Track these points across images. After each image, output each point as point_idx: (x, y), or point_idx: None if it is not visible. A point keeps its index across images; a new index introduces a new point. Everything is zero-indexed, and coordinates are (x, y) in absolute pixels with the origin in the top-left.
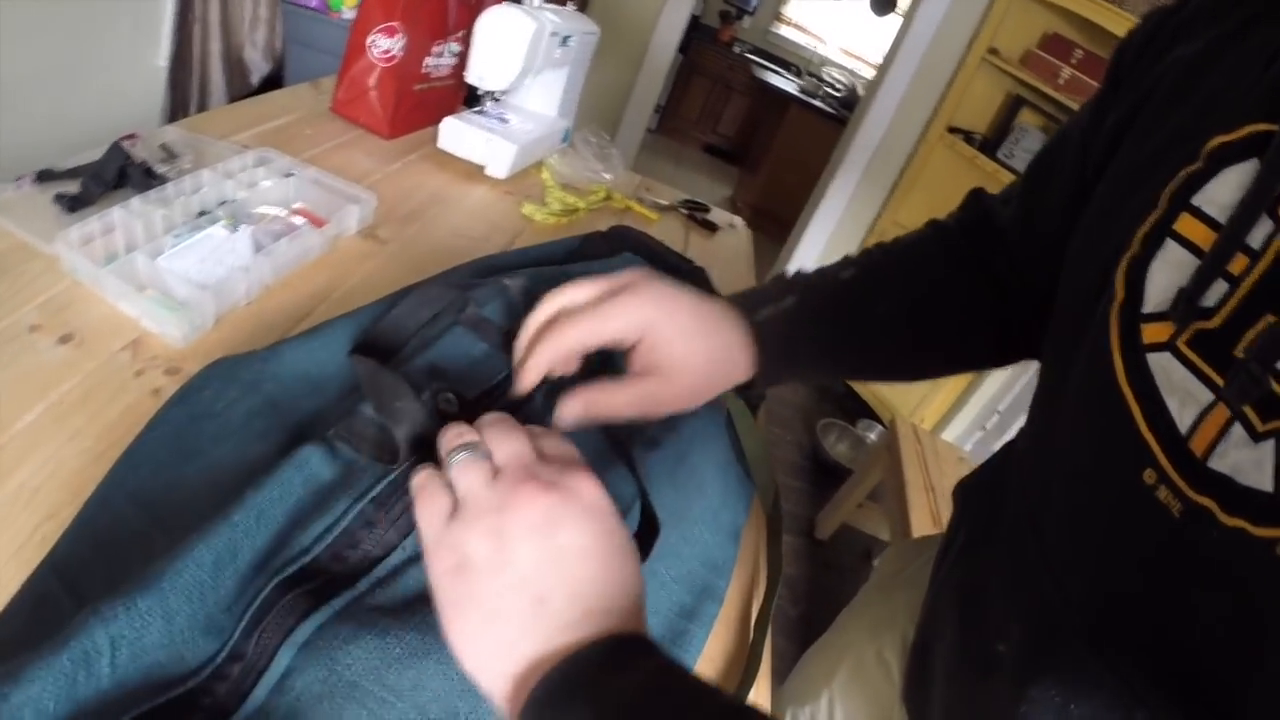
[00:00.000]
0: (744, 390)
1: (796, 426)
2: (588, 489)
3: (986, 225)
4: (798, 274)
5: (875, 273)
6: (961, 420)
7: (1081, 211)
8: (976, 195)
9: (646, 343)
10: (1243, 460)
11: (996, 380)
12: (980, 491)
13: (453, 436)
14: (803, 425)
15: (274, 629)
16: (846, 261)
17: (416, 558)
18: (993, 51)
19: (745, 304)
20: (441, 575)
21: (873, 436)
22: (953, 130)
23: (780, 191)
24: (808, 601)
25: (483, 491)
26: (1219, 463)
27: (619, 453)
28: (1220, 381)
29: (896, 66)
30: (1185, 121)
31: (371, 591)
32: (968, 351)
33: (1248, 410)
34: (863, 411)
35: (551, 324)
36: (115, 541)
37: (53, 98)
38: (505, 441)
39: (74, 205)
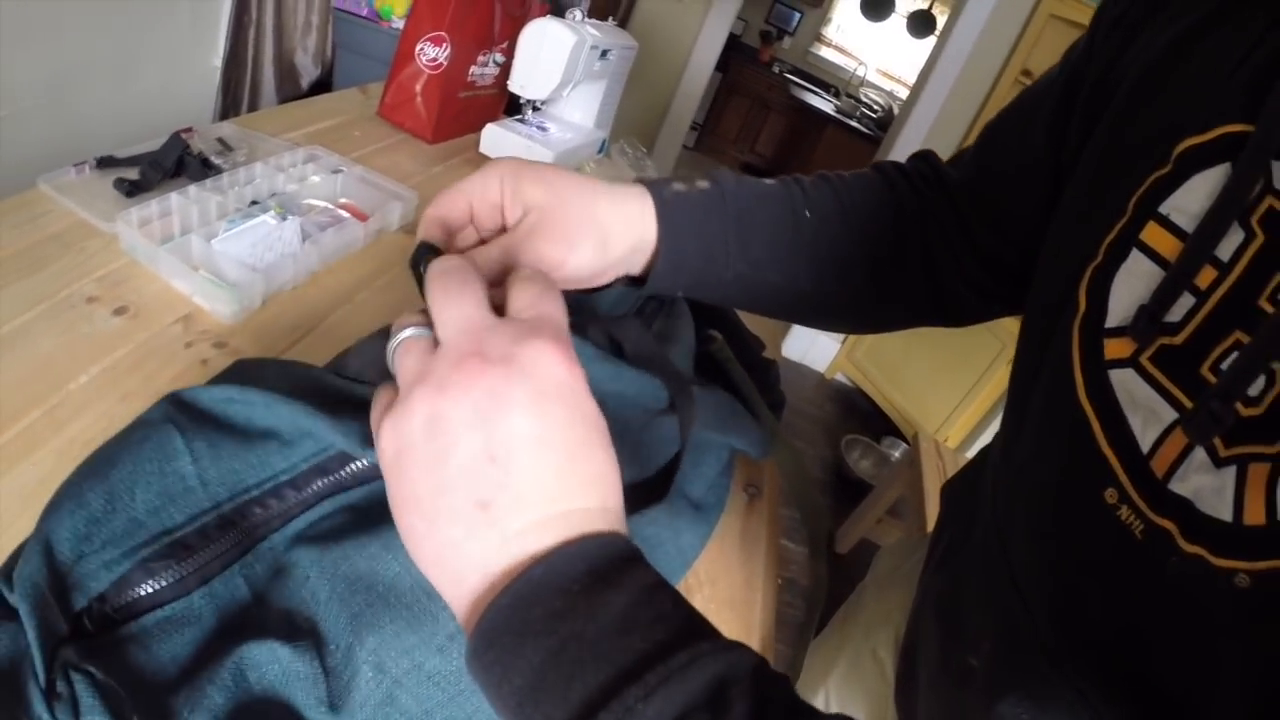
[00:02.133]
0: (635, 283)
1: (820, 442)
2: (547, 360)
3: (936, 179)
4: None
5: (803, 183)
6: (987, 438)
7: (1054, 176)
8: (924, 152)
9: (507, 189)
10: (1203, 486)
11: None
12: (960, 495)
13: (405, 315)
14: (826, 441)
15: (332, 481)
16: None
17: None
18: (1026, 73)
19: (647, 181)
20: (386, 468)
21: (896, 455)
22: None
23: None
24: (823, 612)
25: (418, 371)
26: (1180, 485)
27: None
28: (1184, 399)
29: (931, 87)
30: (1156, 118)
31: None
32: (893, 283)
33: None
34: (887, 429)
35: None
36: None
37: (112, 91)
38: (449, 305)
39: (132, 190)
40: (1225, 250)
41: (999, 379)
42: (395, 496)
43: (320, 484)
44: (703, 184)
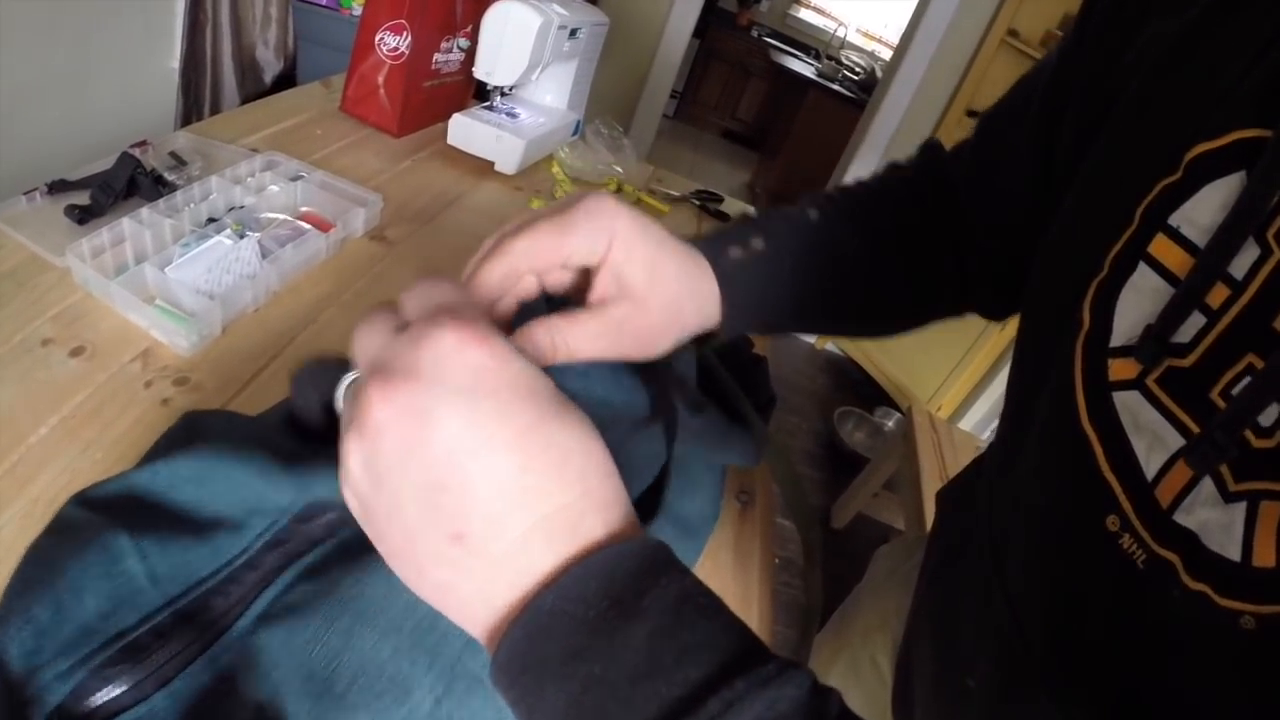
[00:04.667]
0: (703, 341)
1: (813, 414)
2: (451, 348)
3: (941, 175)
4: (762, 214)
5: (842, 213)
6: (979, 408)
7: (1044, 183)
8: (931, 145)
9: (614, 258)
10: (1210, 520)
11: None
12: (957, 503)
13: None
14: (819, 413)
15: (286, 551)
16: (808, 200)
17: None
18: (1012, 33)
19: (709, 245)
20: (361, 525)
21: (890, 425)
22: (971, 114)
23: (799, 176)
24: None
25: (346, 418)
26: (1185, 517)
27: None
28: (1192, 425)
29: (915, 48)
30: (1165, 118)
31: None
32: (932, 296)
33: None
34: (880, 399)
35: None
36: None
37: (66, 103)
38: (360, 341)
39: (84, 217)
40: (1239, 267)
41: (990, 346)
42: (380, 549)
43: (276, 556)
44: (757, 243)
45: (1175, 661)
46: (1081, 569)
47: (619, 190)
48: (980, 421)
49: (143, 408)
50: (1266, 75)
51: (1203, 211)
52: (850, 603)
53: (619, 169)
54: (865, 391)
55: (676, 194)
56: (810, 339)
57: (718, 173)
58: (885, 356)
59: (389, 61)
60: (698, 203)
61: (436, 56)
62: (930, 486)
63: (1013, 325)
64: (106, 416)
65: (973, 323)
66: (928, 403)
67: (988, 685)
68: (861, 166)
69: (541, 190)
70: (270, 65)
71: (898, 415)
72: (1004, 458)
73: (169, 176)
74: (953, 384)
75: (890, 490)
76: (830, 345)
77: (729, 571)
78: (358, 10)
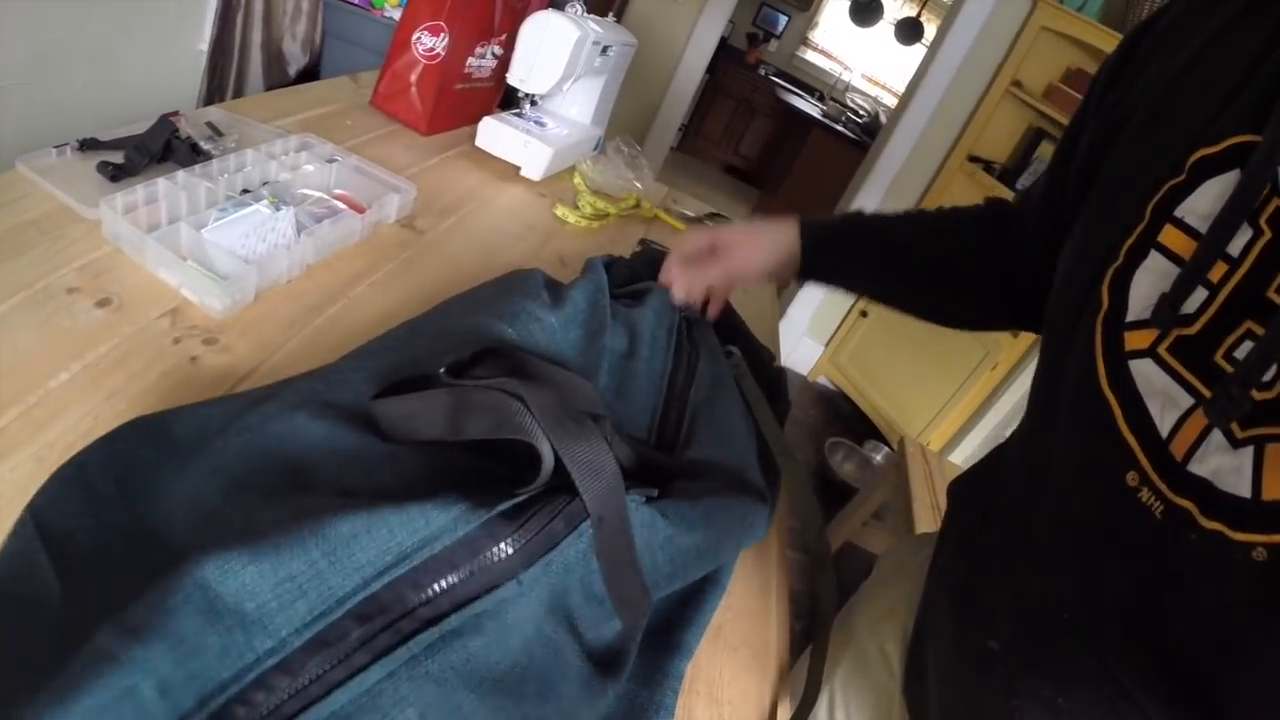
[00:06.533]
0: (805, 275)
1: (804, 446)
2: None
3: (1005, 211)
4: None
5: (918, 217)
6: (969, 444)
7: (1053, 234)
8: (996, 198)
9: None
10: (1222, 465)
11: (1006, 404)
12: (973, 490)
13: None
14: (810, 444)
15: (341, 663)
16: (895, 212)
17: (515, 609)
18: (1017, 83)
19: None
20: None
21: (879, 458)
22: (973, 159)
23: (800, 212)
24: (810, 617)
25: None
26: (1198, 466)
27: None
28: (1200, 386)
29: (921, 95)
30: (1169, 132)
31: (453, 641)
32: (971, 302)
33: None
34: (870, 432)
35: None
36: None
37: (91, 74)
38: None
39: (117, 175)
40: (1235, 247)
41: (982, 385)
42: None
43: (321, 661)
44: (835, 220)
45: (1193, 598)
46: (1105, 523)
47: (638, 205)
48: (970, 457)
49: (170, 363)
50: (1257, 89)
51: (1203, 202)
52: (856, 599)
53: (638, 185)
54: (855, 425)
55: (691, 214)
56: (803, 370)
57: (719, 206)
58: (877, 391)
59: (424, 61)
60: (710, 224)
61: (470, 61)
62: (922, 515)
63: (1003, 365)
64: (132, 368)
65: (965, 361)
66: (918, 437)
67: (1012, 642)
68: (863, 205)
69: (565, 198)
70: (296, 58)
71: (886, 449)
72: (1030, 433)
73: (204, 145)
74: (942, 420)
75: (879, 520)
76: (823, 379)
77: (751, 568)
78: (390, 11)
